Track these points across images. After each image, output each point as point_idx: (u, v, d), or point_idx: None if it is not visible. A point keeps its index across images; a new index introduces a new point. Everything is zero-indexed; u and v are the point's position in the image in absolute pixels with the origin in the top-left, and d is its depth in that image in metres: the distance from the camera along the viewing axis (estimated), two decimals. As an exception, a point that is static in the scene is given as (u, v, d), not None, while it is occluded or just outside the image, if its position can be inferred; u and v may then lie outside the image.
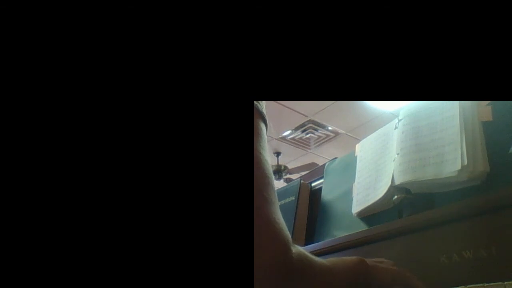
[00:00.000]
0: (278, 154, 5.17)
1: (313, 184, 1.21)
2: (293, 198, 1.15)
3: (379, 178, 0.93)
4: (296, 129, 4.72)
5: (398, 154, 0.89)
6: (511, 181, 0.69)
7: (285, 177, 5.26)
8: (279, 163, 5.23)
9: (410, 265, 0.74)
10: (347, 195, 1.03)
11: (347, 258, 0.65)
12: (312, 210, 1.14)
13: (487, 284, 0.62)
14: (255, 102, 0.57)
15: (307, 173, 1.35)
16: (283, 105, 4.19)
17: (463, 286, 0.65)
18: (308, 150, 5.22)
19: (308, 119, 4.55)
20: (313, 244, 0.99)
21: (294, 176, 5.07)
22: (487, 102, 0.80)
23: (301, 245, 1.05)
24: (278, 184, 4.84)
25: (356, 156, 1.06)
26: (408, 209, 0.84)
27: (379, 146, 0.99)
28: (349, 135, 4.85)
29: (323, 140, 5.01)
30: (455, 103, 0.84)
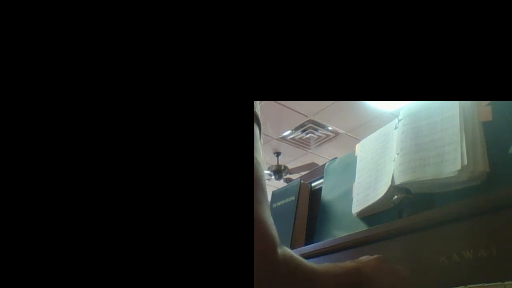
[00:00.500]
0: (278, 154, 5.16)
1: (313, 184, 1.21)
2: (293, 198, 1.15)
3: (379, 178, 0.93)
4: (296, 129, 4.72)
5: (398, 154, 0.89)
6: (511, 181, 0.69)
7: (285, 177, 5.26)
8: (279, 163, 5.23)
9: (410, 265, 0.74)
10: (347, 195, 1.03)
11: (342, 264, 0.64)
12: (312, 210, 1.14)
13: (487, 284, 0.62)
14: None
15: (307, 173, 1.35)
16: (283, 105, 4.18)
17: (463, 286, 0.65)
18: (308, 150, 5.22)
19: (308, 119, 4.55)
20: (313, 244, 0.99)
21: (294, 176, 5.07)
22: (487, 102, 0.80)
23: (301, 245, 1.05)
24: (278, 184, 4.85)
25: (356, 156, 1.06)
26: (408, 209, 0.84)
27: (379, 146, 0.99)
28: (349, 135, 4.85)
29: (323, 140, 5.00)
30: (455, 103, 0.84)
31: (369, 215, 0.94)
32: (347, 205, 1.01)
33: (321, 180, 1.17)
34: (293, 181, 1.25)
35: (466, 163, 0.76)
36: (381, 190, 0.89)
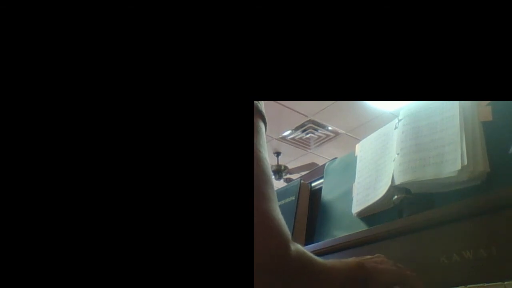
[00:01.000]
0: (278, 154, 5.16)
1: (313, 184, 1.21)
2: (293, 198, 1.15)
3: (379, 178, 0.93)
4: (296, 129, 4.72)
5: (398, 154, 0.89)
6: (511, 181, 0.69)
7: (285, 177, 5.26)
8: (279, 163, 5.22)
9: (410, 265, 0.74)
10: (347, 195, 1.03)
11: (346, 260, 0.65)
12: (312, 210, 1.14)
13: (487, 284, 0.62)
14: (255, 101, 0.57)
15: (307, 173, 1.35)
16: (283, 105, 4.18)
17: (463, 286, 0.65)
18: (308, 150, 5.22)
19: (308, 119, 4.55)
20: (313, 244, 0.99)
21: (294, 176, 5.07)
22: (487, 102, 0.80)
23: (301, 245, 1.05)
24: (278, 184, 4.84)
25: (356, 156, 1.06)
26: (408, 209, 0.84)
27: (379, 146, 0.99)
28: (349, 135, 4.85)
29: (323, 140, 5.00)
30: (455, 103, 0.84)
31: (369, 215, 0.94)
32: (347, 205, 1.01)
33: (321, 180, 1.17)
34: (293, 181, 1.25)
35: (466, 163, 0.76)
36: (381, 190, 0.89)
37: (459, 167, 0.76)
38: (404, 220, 0.82)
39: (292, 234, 1.08)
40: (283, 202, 1.18)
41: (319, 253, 0.93)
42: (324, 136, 4.91)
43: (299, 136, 4.89)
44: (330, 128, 4.75)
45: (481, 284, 0.63)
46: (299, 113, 4.42)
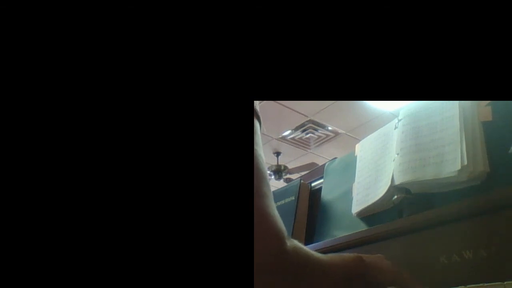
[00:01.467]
0: (278, 154, 5.16)
1: (313, 184, 1.21)
2: (293, 198, 1.15)
3: (379, 178, 0.93)
4: (296, 129, 4.72)
5: (398, 154, 0.89)
6: (511, 181, 0.69)
7: (285, 177, 5.26)
8: (279, 163, 5.23)
9: (410, 265, 0.74)
10: (347, 195, 1.03)
11: (345, 254, 0.65)
12: (312, 210, 1.14)
13: (487, 284, 0.62)
14: None
15: (307, 173, 1.35)
16: (283, 105, 4.18)
17: (463, 286, 0.65)
18: (308, 150, 5.22)
19: (308, 119, 4.55)
20: (313, 244, 0.99)
21: (294, 176, 5.07)
22: (487, 102, 0.80)
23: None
24: (278, 184, 4.84)
25: (356, 156, 1.06)
26: (408, 209, 0.84)
27: (379, 146, 0.98)
28: (349, 135, 4.85)
29: (323, 140, 5.00)
30: (455, 103, 0.84)
31: (369, 215, 0.94)
32: (347, 205, 1.01)
33: (321, 180, 1.17)
34: (293, 181, 1.25)
35: (466, 163, 0.76)
36: (381, 190, 0.89)
37: (459, 167, 0.76)
38: (404, 220, 0.82)
39: (292, 234, 1.08)
40: (283, 202, 1.17)
41: (319, 253, 0.93)
42: (324, 136, 4.91)
43: (299, 136, 4.89)
44: (330, 128, 4.75)
45: (481, 284, 0.63)
46: (299, 113, 4.42)
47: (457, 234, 0.70)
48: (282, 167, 5.20)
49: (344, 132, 4.82)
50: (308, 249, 0.57)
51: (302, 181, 1.18)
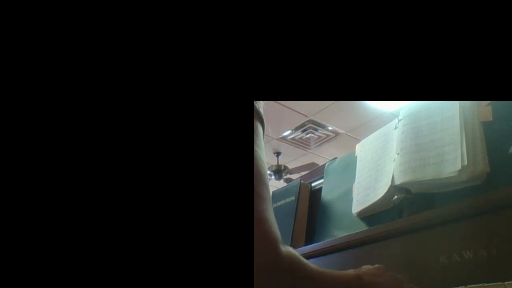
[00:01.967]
0: (278, 154, 5.16)
1: (313, 184, 1.21)
2: (293, 198, 1.15)
3: (379, 178, 0.93)
4: (296, 129, 4.72)
5: (398, 154, 0.89)
6: (511, 181, 0.69)
7: (285, 177, 5.25)
8: (279, 163, 5.22)
9: (410, 265, 0.74)
10: (347, 195, 1.03)
11: (344, 272, 0.65)
12: (312, 210, 1.14)
13: (487, 284, 0.62)
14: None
15: (307, 173, 1.35)
16: (283, 105, 4.18)
17: (463, 286, 0.65)
18: (308, 150, 5.22)
19: (308, 119, 4.54)
20: (313, 244, 0.99)
21: (294, 176, 5.06)
22: (487, 102, 0.80)
23: (301, 245, 1.05)
24: (278, 184, 4.84)
25: (356, 156, 1.06)
26: (408, 209, 0.84)
27: (379, 146, 0.98)
28: (349, 135, 4.85)
29: (323, 140, 5.00)
30: (455, 103, 0.84)
31: (369, 215, 0.94)
32: (347, 205, 1.01)
33: (321, 180, 1.17)
34: (293, 181, 1.25)
35: (466, 163, 0.76)
36: (381, 190, 0.89)
37: (459, 167, 0.76)
38: (404, 220, 0.82)
39: (292, 234, 1.08)
40: (283, 202, 1.17)
41: (319, 253, 0.93)
42: (324, 136, 4.91)
43: (299, 136, 4.89)
44: (330, 128, 4.74)
45: (481, 284, 0.63)
46: (299, 113, 4.42)
47: (457, 234, 0.70)
48: (282, 167, 5.20)
49: (344, 132, 4.82)
50: (304, 259, 0.57)
51: (302, 181, 1.18)
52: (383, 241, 0.82)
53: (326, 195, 1.11)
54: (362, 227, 0.93)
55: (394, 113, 3.96)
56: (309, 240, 1.07)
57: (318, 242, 1.00)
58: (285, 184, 1.93)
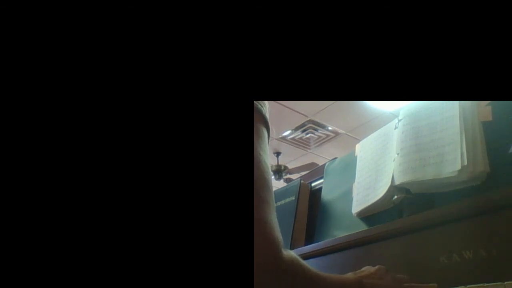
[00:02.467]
0: (278, 154, 5.16)
1: (313, 184, 1.21)
2: (293, 198, 1.15)
3: (379, 178, 0.93)
4: (296, 129, 4.72)
5: (398, 154, 0.89)
6: (511, 181, 0.69)
7: (285, 177, 5.25)
8: (279, 163, 5.22)
9: (410, 265, 0.74)
10: (347, 195, 1.03)
11: (344, 276, 0.65)
12: (312, 210, 1.14)
13: (487, 284, 0.62)
14: (258, 104, 0.57)
15: (307, 173, 1.35)
16: (283, 105, 4.18)
17: (463, 286, 0.65)
18: (308, 150, 5.22)
19: (308, 119, 4.55)
20: (313, 244, 0.99)
21: (294, 176, 5.07)
22: (487, 102, 0.80)
23: (301, 245, 1.05)
24: (278, 184, 4.84)
25: (356, 156, 1.06)
26: (408, 209, 0.84)
27: (379, 146, 0.98)
28: (349, 135, 4.85)
29: (323, 140, 5.00)
30: (455, 103, 0.84)
31: (369, 215, 0.94)
32: (347, 205, 1.01)
33: (321, 180, 1.17)
34: (293, 181, 1.25)
35: (466, 163, 0.76)
36: (381, 190, 0.89)
37: (459, 167, 0.76)
38: (404, 220, 0.82)
39: (292, 234, 1.08)
40: (283, 202, 1.18)
41: (319, 253, 0.93)
42: (324, 136, 4.91)
43: (299, 136, 4.89)
44: (330, 128, 4.74)
45: (481, 284, 0.63)
46: (299, 113, 4.42)
47: (457, 234, 0.70)
48: (282, 167, 5.20)
49: (344, 132, 4.82)
50: (305, 262, 0.57)
51: (302, 181, 1.18)
52: (383, 241, 0.82)
53: (326, 195, 1.11)
54: (362, 227, 0.93)
55: (394, 113, 3.96)
56: (309, 240, 1.07)
57: (318, 242, 1.00)
58: (285, 184, 1.93)
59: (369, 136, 1.05)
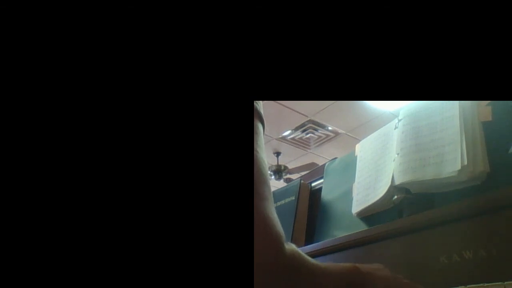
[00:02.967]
0: (278, 154, 5.16)
1: (313, 184, 1.21)
2: (293, 198, 1.15)
3: (379, 178, 0.93)
4: (296, 129, 4.72)
5: (398, 154, 0.89)
6: (511, 181, 0.69)
7: (285, 177, 5.26)
8: (279, 163, 5.23)
9: (410, 265, 0.74)
10: (347, 195, 1.03)
11: (341, 264, 0.65)
12: (312, 210, 1.14)
13: (487, 284, 0.62)
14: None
15: (307, 173, 1.35)
16: (283, 105, 4.18)
17: (463, 286, 0.65)
18: (308, 150, 5.22)
19: (308, 119, 4.55)
20: (313, 244, 0.99)
21: (294, 176, 5.07)
22: (487, 102, 0.80)
23: (301, 245, 1.05)
24: (278, 184, 4.84)
25: (356, 156, 1.06)
26: (408, 209, 0.84)
27: (379, 146, 0.98)
28: (349, 135, 4.85)
29: (323, 140, 5.00)
30: (455, 103, 0.84)
31: (369, 215, 0.94)
32: (347, 205, 1.01)
33: (321, 180, 1.17)
34: (293, 181, 1.25)
35: (466, 163, 0.76)
36: (381, 190, 0.89)
37: (459, 167, 0.76)
38: (404, 220, 0.82)
39: (292, 234, 1.08)
40: (283, 202, 1.18)
41: (319, 253, 0.93)
42: (324, 136, 4.91)
43: (299, 136, 4.89)
44: (330, 128, 4.75)
45: (481, 284, 0.63)
46: (299, 113, 4.42)
47: (457, 234, 0.70)
48: (282, 167, 5.20)
49: (344, 132, 4.82)
50: (305, 255, 0.57)
51: (302, 181, 1.18)
52: (383, 241, 0.82)
53: (326, 195, 1.11)
54: (362, 227, 0.93)
55: (394, 113, 3.96)
56: (309, 240, 1.07)
57: (318, 242, 1.00)
58: (285, 184, 1.93)
59: (369, 136, 1.05)
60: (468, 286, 0.64)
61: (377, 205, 0.91)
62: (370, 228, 0.88)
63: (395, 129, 0.95)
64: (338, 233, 0.97)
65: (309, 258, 0.57)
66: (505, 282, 0.61)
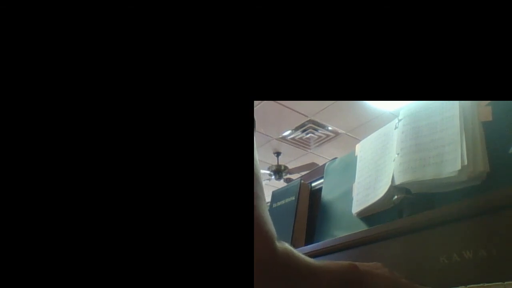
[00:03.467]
0: (278, 154, 5.16)
1: (313, 184, 1.21)
2: (293, 198, 1.15)
3: (379, 178, 0.93)
4: (296, 129, 4.72)
5: (398, 154, 0.89)
6: (511, 181, 0.69)
7: (285, 177, 5.26)
8: (279, 163, 5.23)
9: (410, 265, 0.74)
10: (347, 195, 1.03)
11: (339, 262, 0.65)
12: (312, 210, 1.14)
13: (487, 284, 0.62)
14: None
15: (307, 173, 1.35)
16: (283, 105, 4.18)
17: (463, 286, 0.65)
18: (308, 150, 5.22)
19: (308, 119, 4.55)
20: (313, 244, 0.99)
21: (294, 176, 5.07)
22: (487, 102, 0.80)
23: (301, 245, 1.05)
24: (278, 184, 4.84)
25: (356, 156, 1.06)
26: (408, 209, 0.84)
27: (379, 146, 0.98)
28: (349, 135, 4.85)
29: (323, 140, 5.00)
30: (455, 103, 0.84)
31: (369, 215, 0.94)
32: (347, 205, 1.01)
33: (321, 180, 1.17)
34: (293, 181, 1.25)
35: (466, 163, 0.76)
36: (381, 190, 0.89)
37: (459, 167, 0.76)
38: (404, 220, 0.82)
39: (292, 234, 1.08)
40: (283, 202, 1.18)
41: (319, 253, 0.93)
42: (324, 136, 4.91)
43: (299, 136, 4.89)
44: (330, 128, 4.75)
45: (481, 284, 0.63)
46: (299, 113, 4.42)
47: (457, 234, 0.70)
48: (282, 167, 5.20)
49: (344, 132, 4.82)
50: (299, 253, 0.57)
51: (302, 181, 1.18)
52: (383, 241, 0.82)
53: (326, 195, 1.11)
54: (362, 227, 0.93)
55: (394, 113, 3.96)
56: (309, 240, 1.07)
57: (318, 242, 1.00)
58: (285, 184, 1.93)
59: (369, 136, 1.05)
60: (468, 286, 0.64)
61: (377, 205, 0.91)
62: (370, 228, 0.88)
63: (395, 129, 0.95)
64: (338, 233, 0.97)
65: (304, 256, 0.57)
66: (505, 282, 0.61)
